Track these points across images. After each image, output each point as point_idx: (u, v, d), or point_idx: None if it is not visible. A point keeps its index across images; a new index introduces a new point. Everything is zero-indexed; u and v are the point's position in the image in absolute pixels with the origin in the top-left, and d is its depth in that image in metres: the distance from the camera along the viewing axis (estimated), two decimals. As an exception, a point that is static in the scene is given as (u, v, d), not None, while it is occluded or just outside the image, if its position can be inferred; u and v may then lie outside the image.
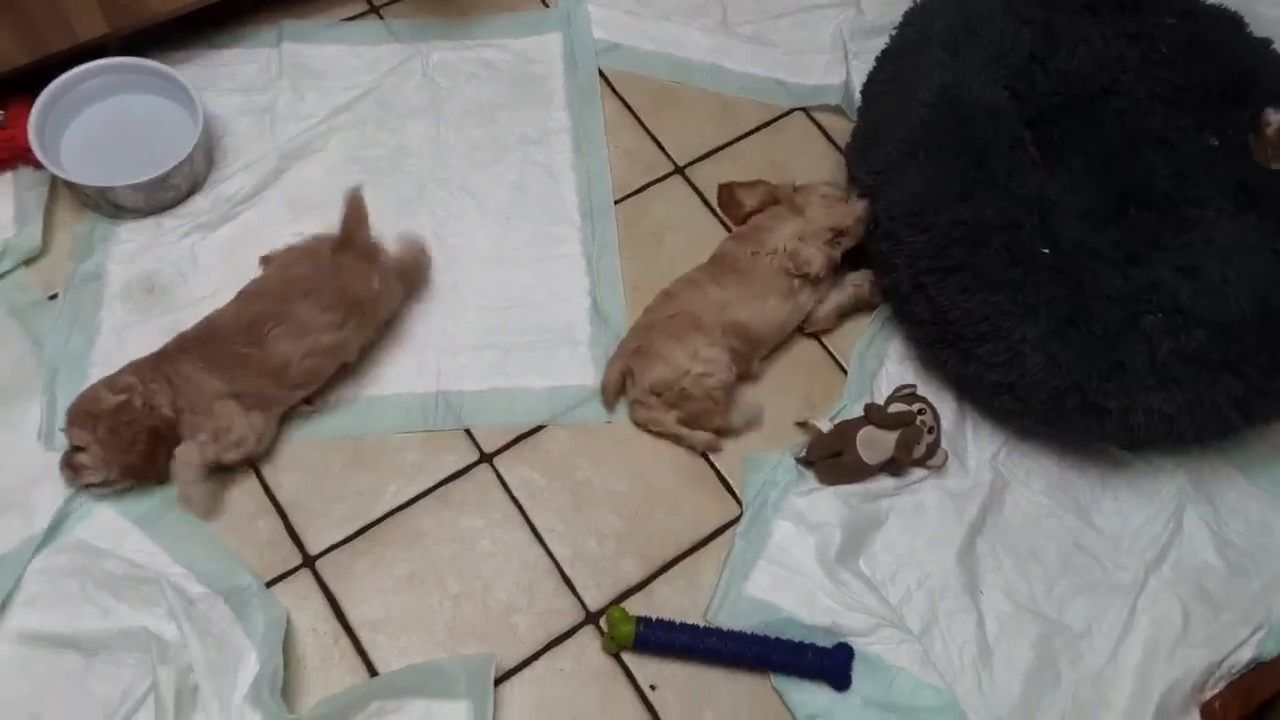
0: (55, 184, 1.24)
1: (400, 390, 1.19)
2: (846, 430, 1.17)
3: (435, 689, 1.04)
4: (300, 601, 1.08)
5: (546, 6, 1.51)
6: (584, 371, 1.23)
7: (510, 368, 1.22)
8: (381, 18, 1.45)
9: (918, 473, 1.20)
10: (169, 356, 1.08)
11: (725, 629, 1.08)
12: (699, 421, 1.17)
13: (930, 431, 1.18)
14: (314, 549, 1.11)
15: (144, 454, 1.04)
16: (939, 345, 1.20)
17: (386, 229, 1.28)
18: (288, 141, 1.32)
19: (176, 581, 1.06)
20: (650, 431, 1.19)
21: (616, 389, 1.20)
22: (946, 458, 1.19)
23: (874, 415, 1.17)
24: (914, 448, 1.16)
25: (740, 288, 1.20)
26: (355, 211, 1.15)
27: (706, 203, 1.38)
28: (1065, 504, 1.22)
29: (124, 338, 1.18)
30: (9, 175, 1.24)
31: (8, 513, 1.06)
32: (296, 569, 1.09)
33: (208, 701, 1.00)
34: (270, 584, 1.08)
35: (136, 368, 1.07)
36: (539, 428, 1.20)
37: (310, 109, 1.35)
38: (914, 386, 1.22)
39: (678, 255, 1.32)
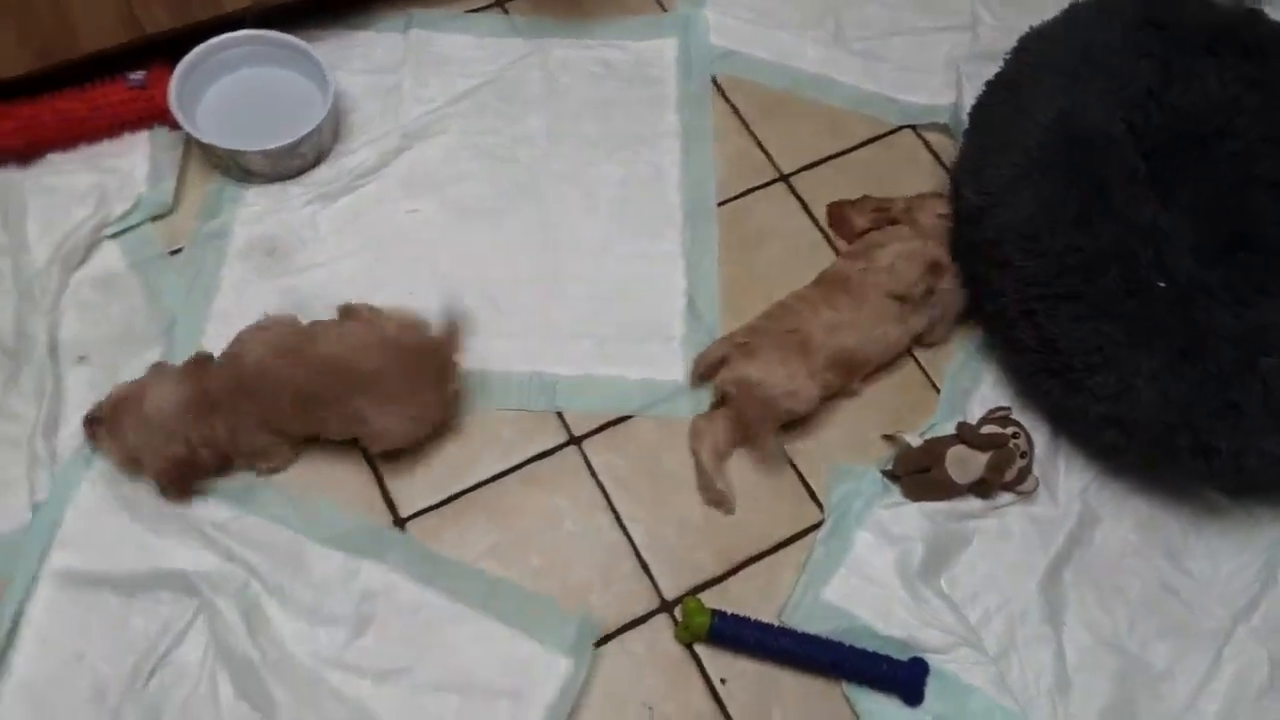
0: (189, 146, 1.31)
1: (499, 368, 1.22)
2: (936, 447, 1.16)
3: (544, 631, 1.07)
4: (388, 561, 1.11)
5: (664, 10, 1.54)
6: (675, 367, 1.25)
7: (605, 356, 1.25)
8: (506, 12, 1.50)
9: (1005, 497, 1.18)
10: (221, 406, 1.07)
11: (800, 631, 1.08)
12: (744, 425, 1.17)
13: (1023, 456, 1.16)
14: (405, 511, 1.14)
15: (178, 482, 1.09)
16: (1042, 374, 1.18)
17: (498, 214, 1.33)
18: (410, 122, 1.37)
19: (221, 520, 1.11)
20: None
21: (709, 369, 1.20)
22: (1037, 485, 1.17)
23: (966, 434, 1.16)
24: (1005, 471, 1.15)
25: (853, 311, 1.20)
26: (456, 335, 1.14)
27: (809, 212, 1.39)
28: (1154, 544, 1.20)
29: (242, 295, 1.23)
30: (145, 134, 1.31)
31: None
32: (387, 528, 1.13)
33: (273, 612, 1.05)
34: (360, 542, 1.12)
35: (181, 417, 1.06)
36: (628, 417, 1.22)
37: (433, 94, 1.40)
38: (1009, 409, 1.21)
39: (775, 261, 1.34)
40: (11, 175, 1.25)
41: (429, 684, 1.05)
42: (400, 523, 1.13)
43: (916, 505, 1.16)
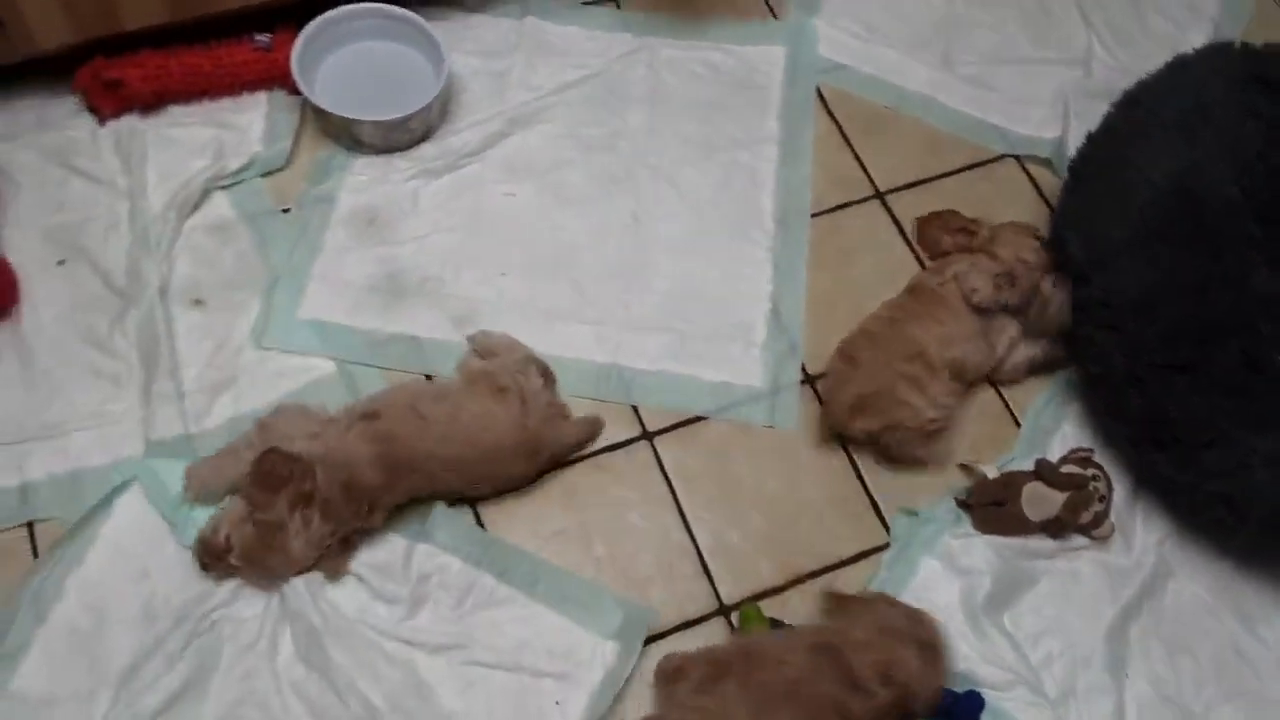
0: (305, 110, 1.35)
1: (579, 356, 1.24)
2: (1013, 481, 1.14)
3: (589, 617, 1.08)
4: (458, 534, 1.13)
5: (775, 18, 1.54)
6: (754, 372, 1.25)
7: (684, 354, 1.25)
8: (619, 7, 1.52)
9: (1079, 540, 1.16)
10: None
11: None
12: (898, 450, 1.17)
13: (1101, 500, 1.14)
14: (478, 488, 1.16)
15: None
16: (1147, 445, 1.14)
17: (592, 204, 1.34)
18: (516, 108, 1.39)
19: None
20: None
21: (840, 423, 1.19)
22: (1113, 531, 1.15)
23: (1045, 472, 1.14)
24: (1081, 513, 1.13)
25: (955, 324, 1.19)
26: (590, 434, 1.18)
27: (901, 231, 1.38)
28: (1229, 606, 1.16)
29: (342, 259, 1.26)
30: (264, 95, 1.35)
31: (222, 392, 1.16)
32: (460, 501, 1.14)
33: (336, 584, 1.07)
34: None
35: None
36: (702, 418, 1.22)
37: (540, 81, 1.42)
38: (1091, 450, 1.19)
39: (863, 278, 1.33)
40: (135, 123, 1.30)
41: (478, 661, 1.07)
42: (473, 500, 1.15)
43: (986, 538, 1.14)
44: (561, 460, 1.17)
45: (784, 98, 1.46)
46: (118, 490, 1.10)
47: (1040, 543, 1.16)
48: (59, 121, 1.30)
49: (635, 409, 1.22)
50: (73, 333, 1.17)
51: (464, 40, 1.43)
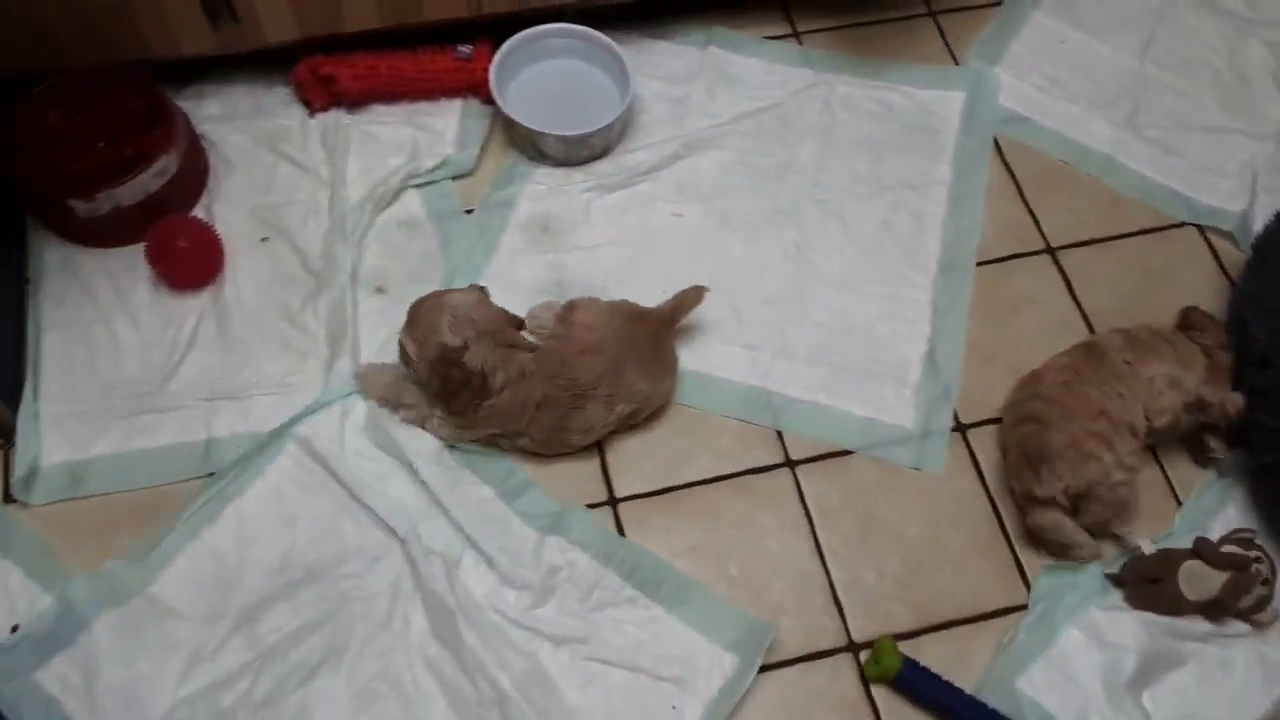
0: (495, 120, 1.42)
1: (731, 377, 1.26)
2: (1171, 559, 1.11)
3: (709, 625, 1.10)
4: (595, 534, 1.17)
5: (956, 64, 1.54)
6: (904, 412, 1.25)
7: (835, 388, 1.26)
8: (800, 43, 1.54)
9: (1236, 625, 1.11)
10: (522, 363, 1.15)
11: (990, 707, 1.06)
12: (1103, 526, 1.15)
13: (1264, 584, 1.09)
14: (620, 492, 1.19)
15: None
16: None
17: (757, 231, 1.37)
18: (692, 133, 1.43)
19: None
20: (1042, 541, 1.16)
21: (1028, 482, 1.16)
22: (1276, 618, 1.09)
23: (1205, 550, 1.10)
24: (1243, 595, 1.08)
25: (1130, 392, 1.16)
26: (692, 301, 1.22)
27: (1070, 289, 1.36)
28: (1395, 719, 1.09)
29: (515, 261, 1.32)
30: (460, 102, 1.43)
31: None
32: (601, 504, 1.18)
33: (469, 566, 1.12)
34: (575, 510, 1.18)
35: (489, 328, 1.14)
36: (848, 452, 1.23)
37: (718, 109, 1.46)
38: (1254, 532, 1.14)
39: (1026, 332, 1.31)
40: (341, 117, 1.40)
41: (598, 657, 1.09)
42: (614, 501, 1.18)
43: (1135, 614, 1.11)
44: (676, 320, 1.22)
45: (958, 144, 1.46)
46: (291, 432, 1.17)
47: (1192, 624, 1.11)
48: (272, 110, 1.41)
49: (780, 435, 1.24)
50: (269, 306, 1.27)
51: (646, 64, 1.48)
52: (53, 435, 1.18)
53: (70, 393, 1.20)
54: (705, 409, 1.24)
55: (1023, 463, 1.15)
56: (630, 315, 1.20)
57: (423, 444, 1.19)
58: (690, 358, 1.26)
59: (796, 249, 1.36)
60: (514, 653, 1.08)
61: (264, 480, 1.16)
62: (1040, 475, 1.13)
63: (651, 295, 1.30)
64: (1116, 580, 1.13)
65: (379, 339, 1.26)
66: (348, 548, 1.13)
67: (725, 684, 1.07)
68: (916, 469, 1.22)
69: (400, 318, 1.17)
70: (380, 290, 1.29)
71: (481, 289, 1.19)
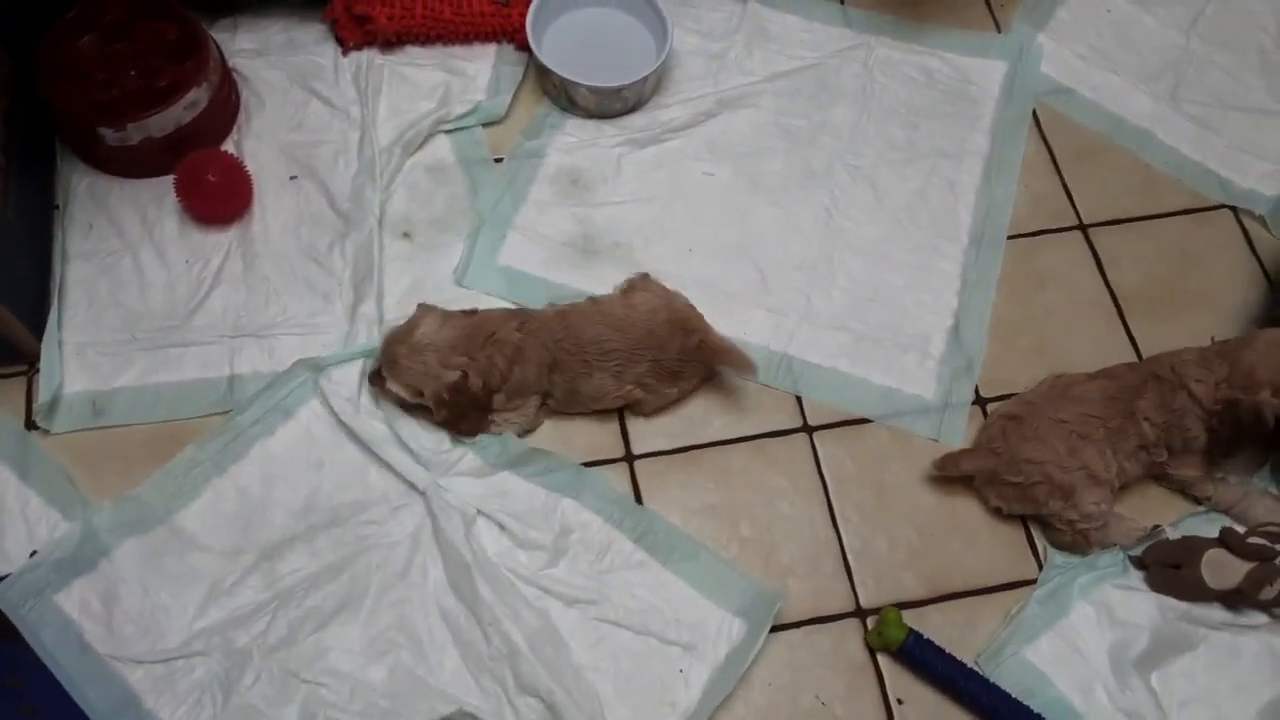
0: (529, 68, 1.41)
1: (753, 340, 1.25)
2: (1194, 545, 1.11)
3: (719, 591, 1.11)
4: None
5: (999, 31, 1.51)
6: (926, 383, 1.25)
7: (858, 355, 1.26)
8: (842, 2, 1.51)
9: (1253, 616, 1.11)
10: (512, 340, 1.14)
11: (991, 681, 1.07)
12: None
13: (1286, 577, 1.09)
14: (637, 450, 1.20)
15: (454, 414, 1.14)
16: None
17: (787, 194, 1.36)
18: (726, 90, 1.42)
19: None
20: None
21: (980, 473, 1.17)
22: (1294, 610, 1.10)
23: (1231, 540, 1.10)
24: (1264, 587, 1.07)
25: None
26: (741, 363, 1.18)
27: (1100, 267, 1.34)
28: (1399, 714, 1.09)
29: (544, 213, 1.32)
30: (494, 48, 1.42)
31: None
32: (618, 460, 1.19)
33: (483, 526, 1.13)
34: (591, 464, 1.18)
35: (467, 344, 1.12)
36: (866, 420, 1.23)
37: (754, 67, 1.44)
38: (1280, 525, 1.13)
39: (1053, 309, 1.31)
40: (375, 57, 1.39)
41: (608, 618, 1.10)
42: (630, 458, 1.19)
43: (1149, 594, 1.11)
44: (710, 361, 1.19)
45: (996, 114, 1.44)
46: (318, 377, 1.17)
47: (1208, 610, 1.11)
48: (306, 46, 1.40)
49: (799, 401, 1.24)
50: (295, 245, 1.27)
51: (684, 19, 1.46)
52: (75, 364, 1.18)
53: (94, 323, 1.21)
54: (727, 374, 1.24)
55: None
56: (673, 324, 1.17)
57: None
58: (713, 319, 1.25)
59: (827, 214, 1.35)
60: (527, 609, 1.09)
61: (295, 422, 1.17)
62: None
63: (678, 253, 1.30)
64: (1138, 562, 1.13)
65: (403, 285, 1.26)
66: (371, 495, 1.14)
67: (733, 649, 1.08)
68: (935, 440, 1.22)
69: (426, 264, 1.17)
70: (406, 235, 1.29)
71: (430, 307, 1.16)
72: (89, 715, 1.01)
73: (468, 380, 1.11)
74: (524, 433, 1.18)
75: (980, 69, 1.47)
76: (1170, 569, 1.10)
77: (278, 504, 1.13)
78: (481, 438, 1.16)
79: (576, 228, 1.31)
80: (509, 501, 1.14)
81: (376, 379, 1.15)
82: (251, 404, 1.16)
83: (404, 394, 1.13)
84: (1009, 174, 1.39)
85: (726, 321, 1.25)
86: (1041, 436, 1.13)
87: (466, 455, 1.16)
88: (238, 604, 1.08)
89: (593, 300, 1.20)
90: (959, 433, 1.22)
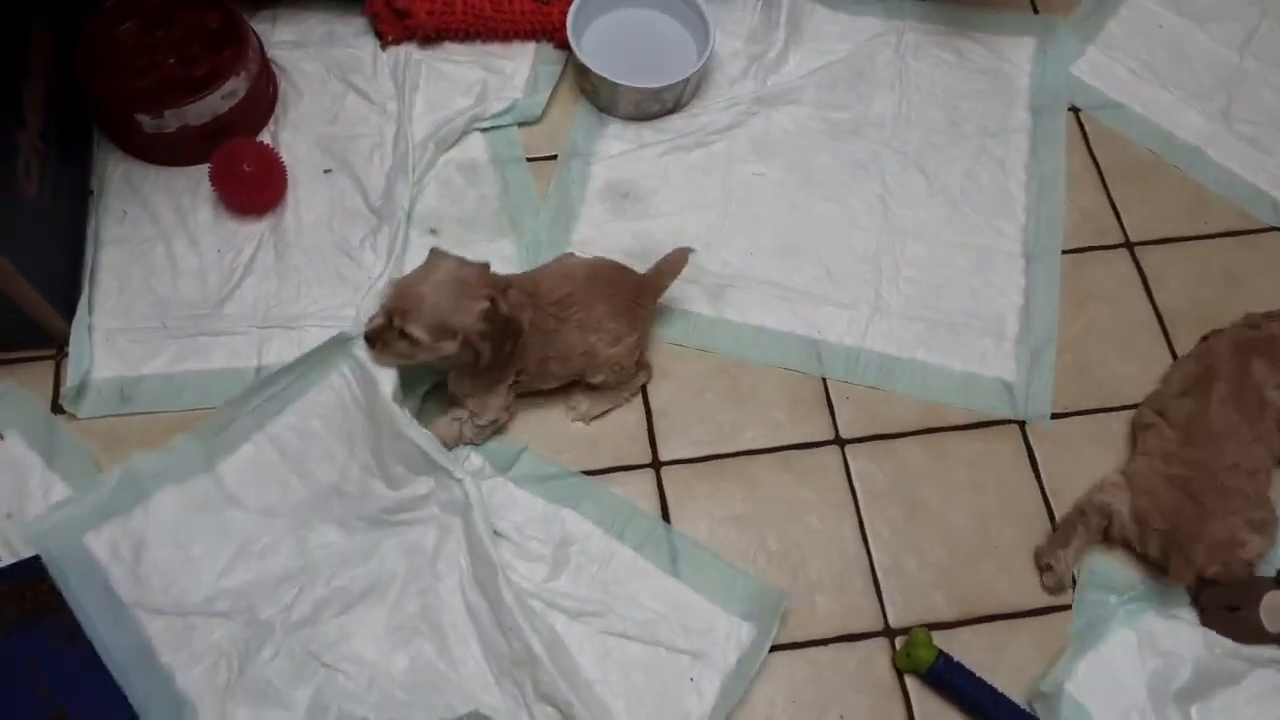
0: (567, 67, 1.39)
1: (829, 338, 1.24)
2: (1254, 587, 1.08)
3: (724, 595, 1.09)
4: (635, 495, 1.15)
5: (1036, 12, 1.50)
6: (1005, 365, 1.24)
7: (934, 343, 1.25)
8: (870, -11, 1.49)
9: (1308, 660, 1.07)
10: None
11: (1022, 707, 1.04)
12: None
13: (1348, 623, 1.05)
14: (665, 456, 1.18)
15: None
16: None
17: (840, 187, 1.35)
18: (766, 88, 1.40)
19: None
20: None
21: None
22: (1351, 656, 1.06)
23: (1292, 582, 1.06)
24: (1327, 633, 1.04)
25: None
26: (676, 265, 1.17)
27: (1146, 287, 1.31)
28: None
29: (601, 232, 1.28)
30: (533, 46, 1.40)
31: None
32: (643, 466, 1.17)
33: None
34: (616, 470, 1.16)
35: (493, 281, 1.07)
36: (898, 434, 1.20)
37: (788, 63, 1.42)
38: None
39: (1095, 327, 1.29)
40: (413, 52, 1.38)
41: (615, 630, 1.08)
42: (657, 464, 1.17)
43: (1194, 625, 1.08)
44: (663, 280, 1.17)
45: (1033, 88, 1.43)
46: (349, 353, 1.12)
47: (1260, 648, 1.08)
48: (345, 39, 1.39)
49: (831, 411, 1.21)
50: (327, 238, 1.26)
51: (726, 21, 1.44)
52: (104, 350, 1.18)
53: (125, 309, 1.21)
54: (808, 372, 1.22)
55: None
56: (616, 267, 1.15)
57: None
58: (787, 322, 1.24)
59: (882, 203, 1.33)
60: (539, 619, 1.07)
61: (329, 387, 1.13)
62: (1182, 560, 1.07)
63: (741, 257, 1.29)
64: (1196, 603, 1.10)
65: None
66: (405, 478, 1.11)
67: (743, 654, 1.06)
68: (1012, 423, 1.20)
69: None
70: (433, 231, 1.27)
71: (445, 252, 1.09)
72: (105, 663, 0.99)
73: (498, 307, 1.05)
74: (498, 428, 1.15)
75: (1012, 46, 1.46)
76: (1227, 611, 1.07)
77: (310, 474, 1.11)
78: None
79: (634, 242, 1.27)
80: (508, 512, 1.12)
81: (380, 336, 1.06)
82: (286, 374, 1.13)
83: (426, 337, 1.03)
84: (1055, 145, 1.38)
85: (799, 322, 1.25)
86: (1228, 493, 1.08)
87: (468, 459, 1.14)
88: (266, 567, 1.06)
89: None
90: (1044, 409, 1.21)
